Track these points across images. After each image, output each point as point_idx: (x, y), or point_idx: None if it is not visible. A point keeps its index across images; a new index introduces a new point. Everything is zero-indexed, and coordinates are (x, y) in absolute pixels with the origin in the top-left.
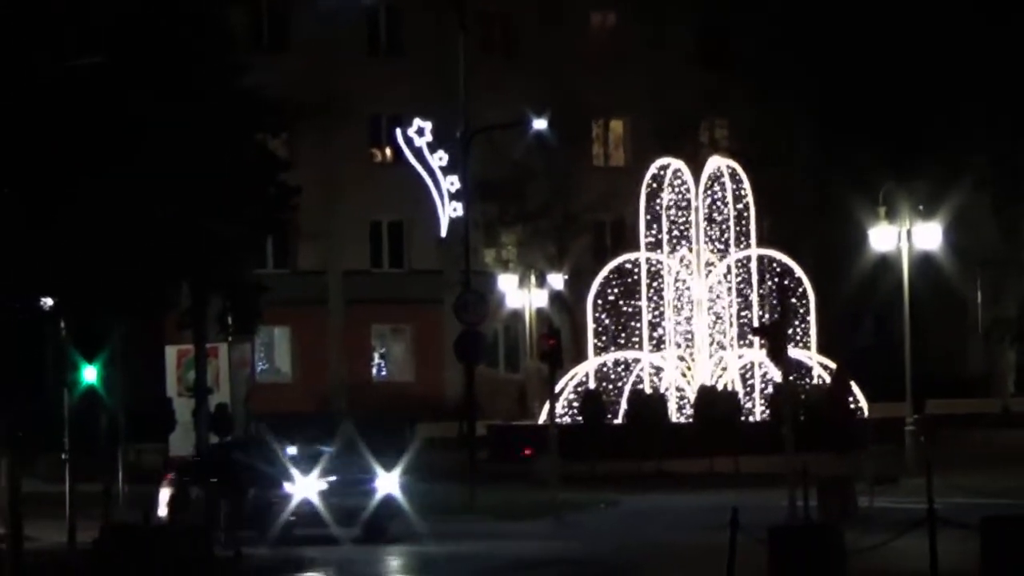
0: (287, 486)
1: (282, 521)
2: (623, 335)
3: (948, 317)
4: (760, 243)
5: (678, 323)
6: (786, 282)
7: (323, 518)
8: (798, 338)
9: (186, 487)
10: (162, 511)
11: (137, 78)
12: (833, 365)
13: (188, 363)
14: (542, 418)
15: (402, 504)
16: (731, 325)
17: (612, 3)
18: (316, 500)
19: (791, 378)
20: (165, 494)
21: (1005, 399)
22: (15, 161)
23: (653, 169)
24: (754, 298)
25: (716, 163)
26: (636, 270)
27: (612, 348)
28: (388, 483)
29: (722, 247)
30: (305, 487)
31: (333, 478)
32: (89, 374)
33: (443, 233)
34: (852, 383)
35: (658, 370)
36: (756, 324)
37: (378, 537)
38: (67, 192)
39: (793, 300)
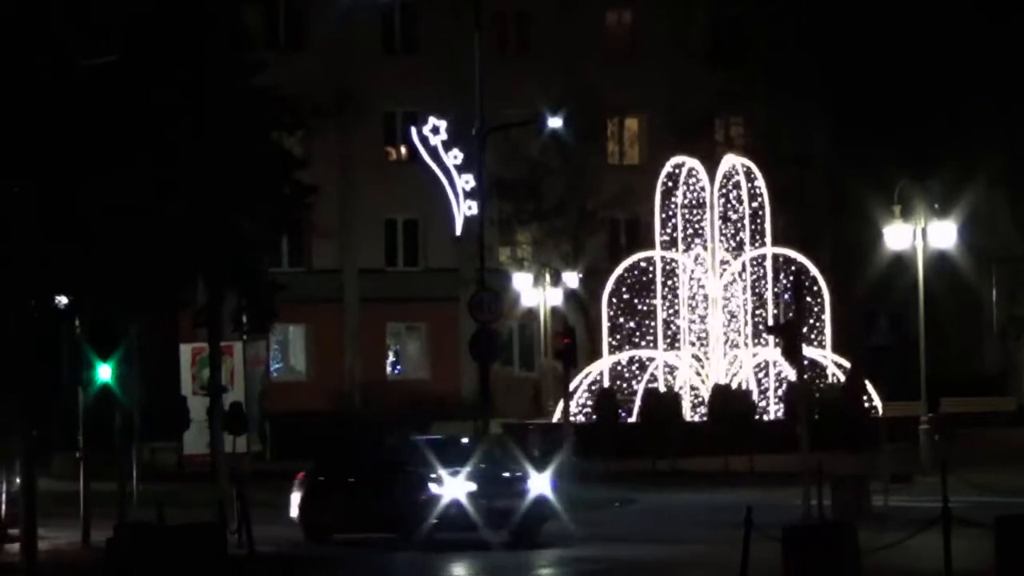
0: (434, 487)
1: (428, 524)
2: (638, 333)
3: (963, 315)
4: (775, 241)
5: (692, 321)
6: (801, 280)
7: (471, 520)
8: (813, 337)
9: (321, 487)
10: (294, 512)
11: (151, 76)
12: (848, 364)
13: (203, 361)
14: (556, 416)
15: (555, 506)
16: (746, 324)
17: (628, 1)
18: (465, 501)
19: (805, 377)
20: (297, 496)
21: (1021, 397)
22: (28, 159)
23: (668, 167)
24: (769, 296)
25: (731, 161)
26: (651, 268)
27: (627, 346)
28: (540, 484)
29: (737, 245)
30: (453, 488)
31: (482, 478)
32: (104, 372)
33: (458, 231)
34: (867, 382)
35: (672, 369)
36: (771, 323)
37: (528, 541)
38: (81, 190)
39: (808, 299)
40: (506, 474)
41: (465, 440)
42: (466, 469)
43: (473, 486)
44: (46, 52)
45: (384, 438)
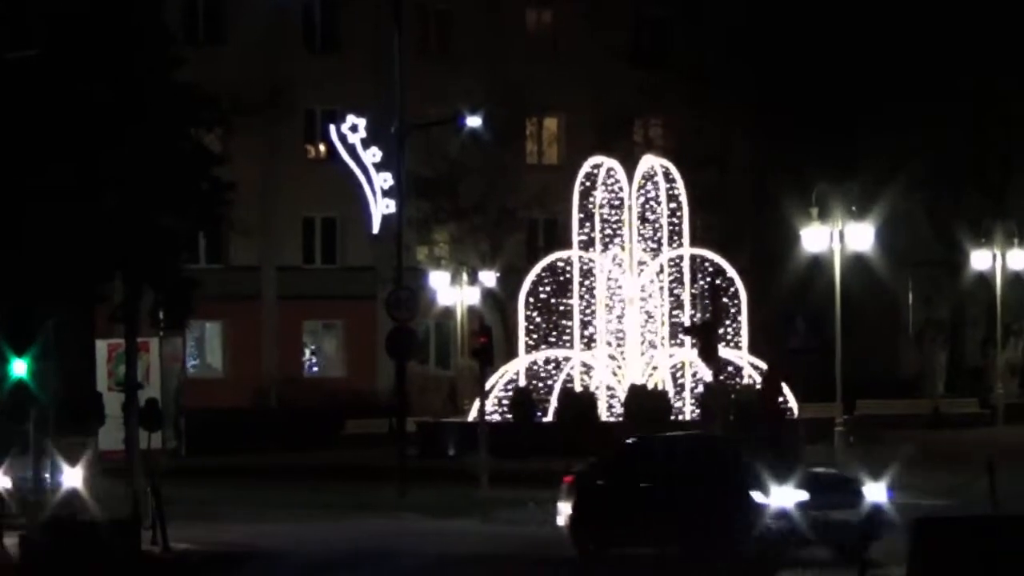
0: (757, 494)
1: (754, 535)
2: (554, 333)
3: (881, 318)
4: (693, 242)
5: (609, 322)
6: (718, 282)
7: (800, 534)
8: (730, 338)
9: (601, 494)
10: (561, 522)
11: (71, 71)
12: (764, 365)
13: (119, 357)
14: (472, 415)
15: (894, 517)
16: (662, 324)
17: (549, 1)
18: (794, 512)
19: (721, 378)
20: (565, 504)
21: (936, 400)
22: None
23: (586, 167)
24: (686, 297)
25: (650, 162)
26: (568, 268)
27: (543, 346)
28: (876, 492)
29: (655, 246)
30: (781, 495)
31: (813, 484)
32: (19, 368)
33: (376, 230)
34: (783, 383)
35: (589, 368)
36: (687, 323)
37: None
38: None
39: (725, 300)
40: (838, 480)
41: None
42: (796, 473)
43: (804, 494)
44: None
45: (689, 435)
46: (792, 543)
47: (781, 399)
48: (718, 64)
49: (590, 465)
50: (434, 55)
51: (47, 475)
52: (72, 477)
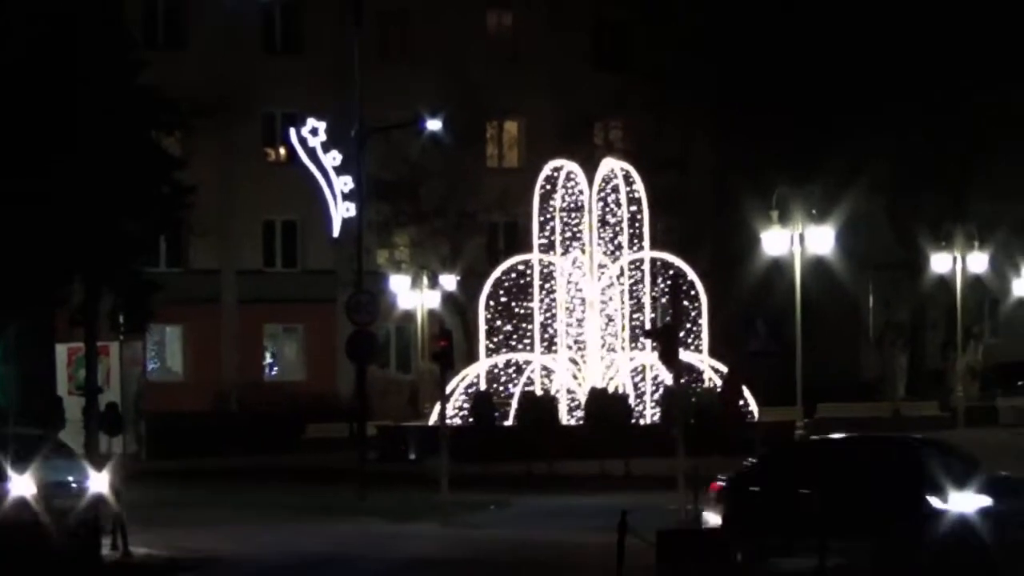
0: (935, 500)
1: (931, 545)
2: (515, 337)
3: (841, 321)
4: (654, 245)
5: (570, 325)
6: (679, 285)
7: (981, 547)
8: (690, 341)
9: (756, 501)
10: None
11: (30, 75)
12: (725, 369)
13: (79, 361)
14: (433, 419)
15: None
16: (623, 328)
17: (509, 3)
18: (976, 521)
19: (682, 381)
20: (713, 515)
21: (896, 403)
22: None
23: (547, 170)
24: (646, 300)
25: (610, 165)
26: (528, 271)
27: (504, 350)
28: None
29: (615, 249)
30: (959, 501)
31: (996, 489)
32: None
33: (335, 233)
34: (743, 387)
35: (549, 372)
36: (648, 327)
37: None
38: None
39: (686, 303)
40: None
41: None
42: (977, 477)
43: (987, 500)
44: None
45: (857, 437)
46: (974, 553)
47: (741, 402)
48: (678, 67)
49: (741, 471)
50: (394, 58)
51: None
52: (99, 482)
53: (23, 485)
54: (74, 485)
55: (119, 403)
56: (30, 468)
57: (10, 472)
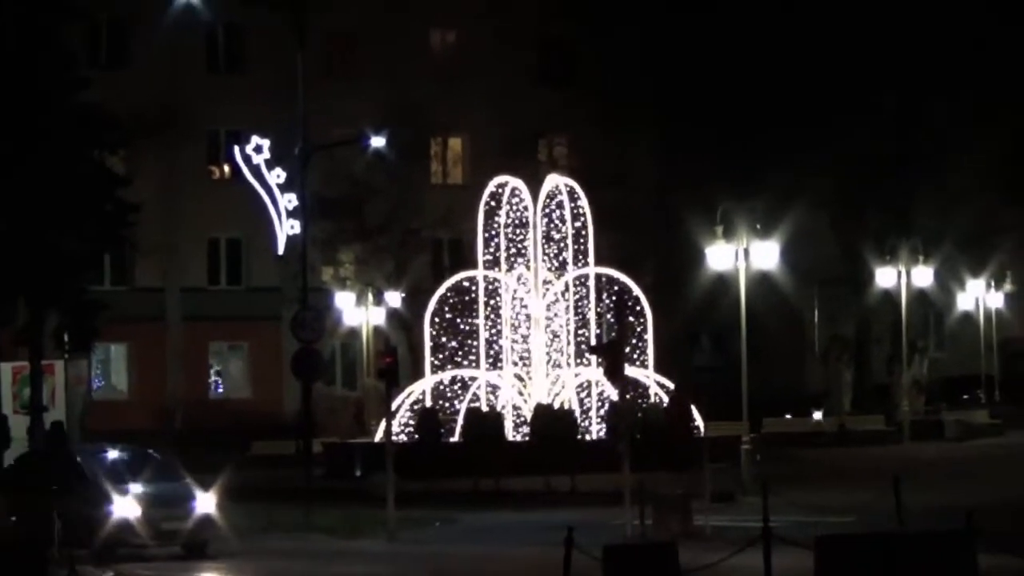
0: None
1: None
2: (460, 353)
3: (786, 336)
4: (599, 261)
5: (515, 341)
6: (624, 300)
7: None
8: (636, 357)
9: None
10: None
11: None
12: (671, 384)
13: (23, 380)
14: (379, 436)
15: None
16: (568, 343)
17: (453, 21)
18: None
19: (627, 396)
20: None
21: (842, 417)
22: None
23: (491, 187)
24: (592, 316)
25: (554, 181)
26: (473, 288)
27: (449, 366)
28: None
29: (560, 265)
30: None
31: None
32: None
33: (280, 251)
34: (690, 402)
35: (495, 388)
36: (593, 342)
37: None
38: None
39: (631, 319)
40: None
41: None
42: None
43: None
44: None
45: None
46: None
47: (688, 417)
48: (622, 83)
49: None
50: (339, 75)
51: None
52: (206, 502)
53: (127, 507)
54: (180, 505)
55: (64, 422)
56: (134, 488)
57: (113, 494)
